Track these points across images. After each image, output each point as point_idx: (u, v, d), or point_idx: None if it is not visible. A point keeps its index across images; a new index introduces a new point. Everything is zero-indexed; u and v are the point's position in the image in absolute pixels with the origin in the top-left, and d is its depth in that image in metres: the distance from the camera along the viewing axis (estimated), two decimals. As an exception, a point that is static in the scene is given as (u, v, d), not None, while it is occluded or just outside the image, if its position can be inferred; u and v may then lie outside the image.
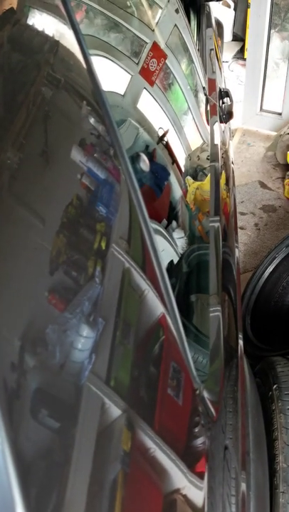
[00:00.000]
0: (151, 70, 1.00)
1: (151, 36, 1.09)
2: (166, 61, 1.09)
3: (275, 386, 1.18)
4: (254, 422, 1.02)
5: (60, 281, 0.50)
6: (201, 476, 0.66)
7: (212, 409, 0.76)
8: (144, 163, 0.90)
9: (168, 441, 0.59)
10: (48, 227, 0.51)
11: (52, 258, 0.50)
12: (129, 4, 1.12)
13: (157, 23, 1.20)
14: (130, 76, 0.97)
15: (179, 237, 1.02)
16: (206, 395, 0.76)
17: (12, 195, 0.48)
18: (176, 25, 1.32)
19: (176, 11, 1.41)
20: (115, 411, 0.51)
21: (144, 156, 0.91)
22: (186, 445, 0.67)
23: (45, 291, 0.48)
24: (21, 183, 0.50)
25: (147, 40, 1.05)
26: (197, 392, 0.73)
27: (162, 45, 1.12)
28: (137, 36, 1.05)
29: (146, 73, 0.99)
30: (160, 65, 1.04)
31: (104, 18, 1.00)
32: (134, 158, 0.89)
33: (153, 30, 1.16)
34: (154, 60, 1.01)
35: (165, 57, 1.08)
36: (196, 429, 0.70)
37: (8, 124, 0.50)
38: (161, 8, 1.30)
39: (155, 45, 1.06)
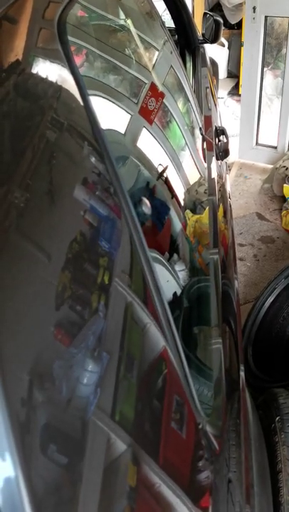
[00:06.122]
0: (150, 109, 1.05)
1: (149, 77, 1.13)
2: (164, 100, 1.14)
3: (277, 418, 1.18)
4: (257, 454, 1.01)
5: (65, 316, 0.52)
6: (205, 510, 0.66)
7: (215, 443, 0.77)
8: (146, 207, 0.94)
9: (172, 476, 0.60)
10: (53, 263, 0.53)
11: (57, 293, 0.52)
12: (127, 47, 1.18)
13: (154, 64, 1.25)
14: (130, 116, 1.00)
15: (180, 270, 1.04)
16: (208, 428, 0.76)
17: (18, 233, 0.50)
18: (171, 65, 1.38)
19: (171, 52, 1.48)
20: (120, 446, 0.52)
21: (146, 200, 0.94)
22: (190, 479, 0.68)
23: (52, 326, 0.49)
24: (27, 221, 0.52)
25: (145, 81, 1.10)
26: (200, 426, 0.74)
27: (159, 85, 1.17)
28: (136, 77, 1.10)
29: (145, 112, 1.03)
30: (158, 104, 1.08)
31: (103, 61, 1.05)
32: (137, 203, 0.92)
33: (150, 72, 1.20)
34: (153, 99, 1.06)
35: (163, 96, 1.13)
36: (200, 463, 0.71)
37: (15, 166, 0.53)
38: (157, 50, 1.36)
39: (153, 86, 1.10)
